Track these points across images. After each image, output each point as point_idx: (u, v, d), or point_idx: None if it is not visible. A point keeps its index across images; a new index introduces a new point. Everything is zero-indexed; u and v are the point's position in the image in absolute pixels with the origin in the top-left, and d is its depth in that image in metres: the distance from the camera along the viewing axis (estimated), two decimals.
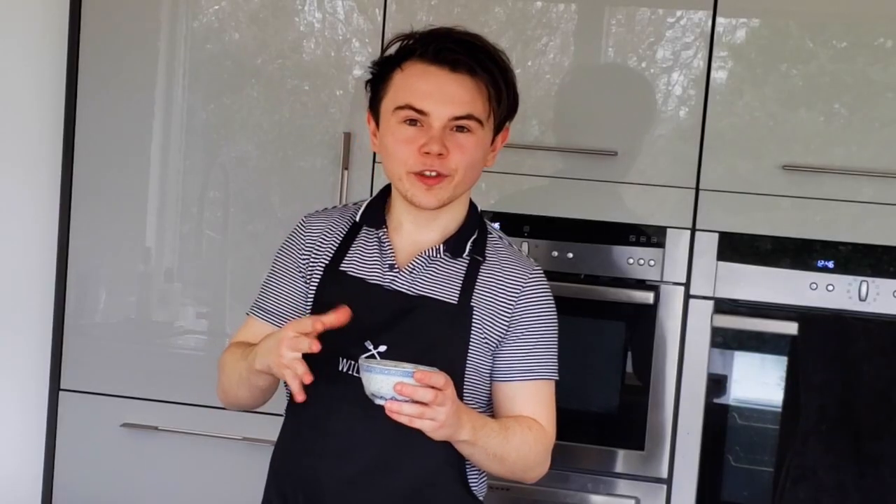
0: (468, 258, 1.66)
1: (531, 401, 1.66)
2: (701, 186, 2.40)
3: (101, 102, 2.64)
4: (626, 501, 2.44)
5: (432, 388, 1.44)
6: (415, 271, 1.64)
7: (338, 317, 1.49)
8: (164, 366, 2.65)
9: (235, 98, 2.64)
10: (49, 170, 2.69)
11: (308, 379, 1.47)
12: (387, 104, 1.63)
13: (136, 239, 2.68)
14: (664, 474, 2.44)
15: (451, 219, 1.67)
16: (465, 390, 1.64)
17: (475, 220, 1.70)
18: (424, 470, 1.64)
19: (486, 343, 1.64)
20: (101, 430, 2.64)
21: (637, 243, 2.43)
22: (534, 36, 2.53)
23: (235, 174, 2.64)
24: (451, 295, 1.63)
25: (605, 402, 2.50)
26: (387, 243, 1.66)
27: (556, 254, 2.45)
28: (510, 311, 1.65)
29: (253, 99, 2.62)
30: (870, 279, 2.28)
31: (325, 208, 1.79)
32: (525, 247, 2.44)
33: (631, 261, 2.43)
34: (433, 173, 1.59)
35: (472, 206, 1.72)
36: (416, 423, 1.45)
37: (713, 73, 2.40)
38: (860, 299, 2.28)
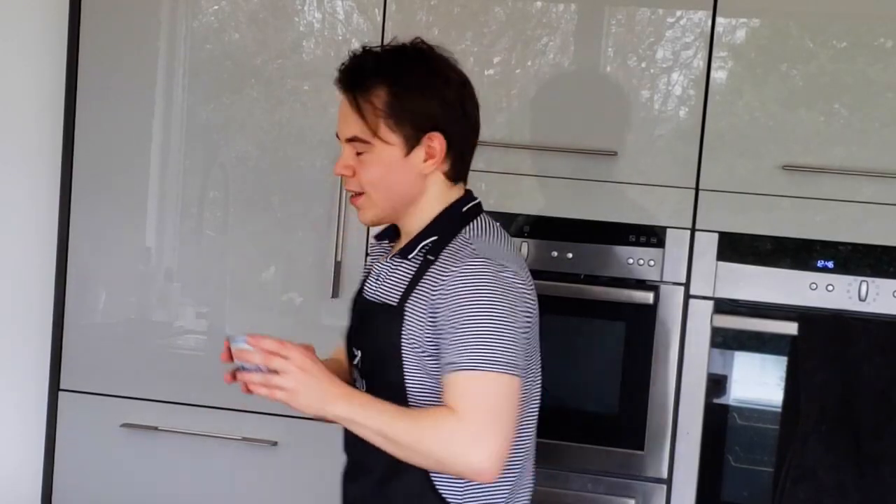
0: (421, 259, 1.65)
1: (451, 393, 1.55)
2: (701, 186, 2.40)
3: (101, 102, 2.64)
4: (626, 501, 2.44)
5: (273, 354, 1.52)
6: (379, 277, 1.70)
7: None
8: (164, 366, 2.65)
9: (235, 98, 2.63)
10: (49, 170, 2.69)
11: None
12: None
13: (136, 239, 2.68)
14: (664, 474, 2.44)
15: (415, 226, 1.69)
16: (408, 392, 1.63)
17: (440, 224, 1.68)
18: (389, 464, 1.62)
19: (414, 343, 1.61)
20: (101, 430, 2.64)
21: (637, 243, 2.43)
22: (534, 36, 2.53)
23: (235, 174, 2.64)
24: (395, 297, 1.64)
25: (605, 402, 2.50)
26: (377, 256, 1.79)
27: (555, 254, 2.45)
28: (430, 307, 1.60)
29: (253, 99, 2.62)
30: (870, 279, 2.28)
31: None
32: (525, 247, 2.44)
33: (631, 261, 2.43)
34: (352, 192, 1.69)
35: (445, 210, 1.70)
36: (263, 392, 1.52)
37: (713, 73, 2.40)
38: (860, 299, 2.28)
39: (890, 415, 2.20)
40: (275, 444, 2.55)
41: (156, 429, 2.60)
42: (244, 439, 2.54)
